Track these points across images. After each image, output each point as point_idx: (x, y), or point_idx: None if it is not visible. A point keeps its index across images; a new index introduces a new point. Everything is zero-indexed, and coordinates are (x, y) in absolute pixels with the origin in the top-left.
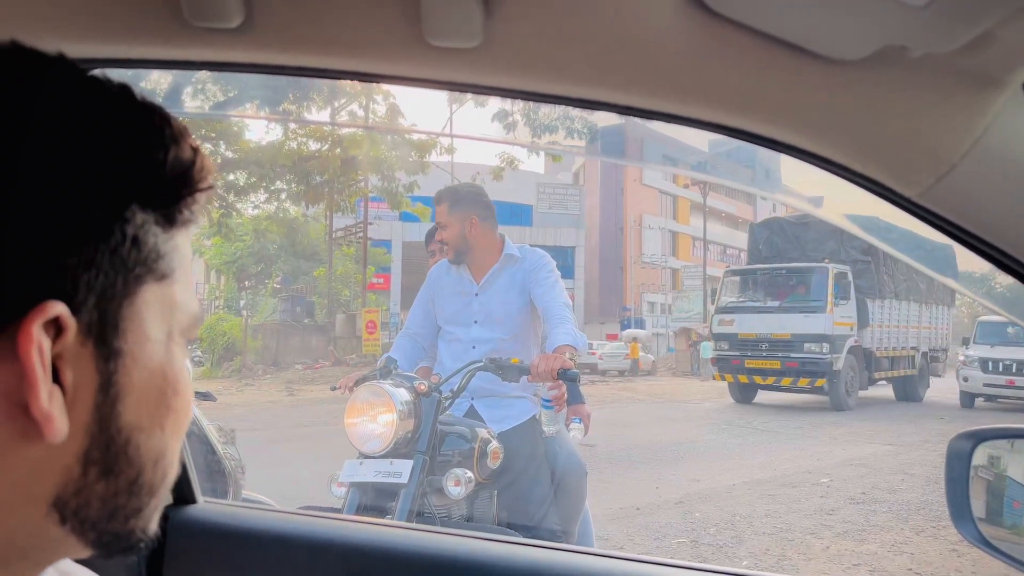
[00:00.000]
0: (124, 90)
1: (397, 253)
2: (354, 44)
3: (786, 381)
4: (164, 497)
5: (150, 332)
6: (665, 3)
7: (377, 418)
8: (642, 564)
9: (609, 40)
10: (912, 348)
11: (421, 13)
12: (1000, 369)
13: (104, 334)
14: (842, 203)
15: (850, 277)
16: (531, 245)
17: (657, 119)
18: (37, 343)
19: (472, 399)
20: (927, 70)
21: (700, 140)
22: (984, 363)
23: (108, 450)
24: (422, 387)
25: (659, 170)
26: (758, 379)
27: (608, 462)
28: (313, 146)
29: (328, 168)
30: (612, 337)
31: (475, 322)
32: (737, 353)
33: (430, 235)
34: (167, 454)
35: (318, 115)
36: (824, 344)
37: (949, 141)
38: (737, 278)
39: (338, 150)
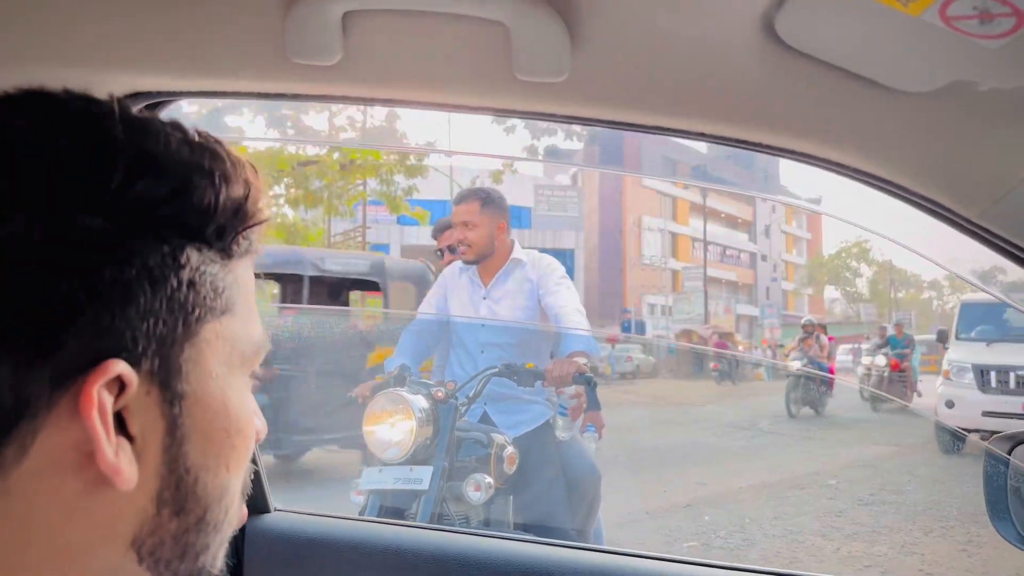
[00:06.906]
0: (175, 132)
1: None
2: (444, 79)
3: None
4: (228, 534)
5: (211, 370)
6: (742, 38)
7: (396, 425)
8: (657, 562)
9: (688, 72)
10: None
11: (511, 50)
12: (1012, 384)
13: (167, 379)
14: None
15: None
16: (529, 248)
17: (731, 145)
18: (97, 404)
19: (485, 404)
20: (992, 101)
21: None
22: (983, 375)
23: (178, 490)
24: (439, 393)
25: (663, 180)
26: None
27: (614, 465)
28: (311, 151)
29: (327, 173)
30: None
31: (482, 326)
32: None
33: (439, 229)
34: (230, 491)
35: (316, 118)
36: None
37: (1009, 164)
38: None
39: (336, 155)
